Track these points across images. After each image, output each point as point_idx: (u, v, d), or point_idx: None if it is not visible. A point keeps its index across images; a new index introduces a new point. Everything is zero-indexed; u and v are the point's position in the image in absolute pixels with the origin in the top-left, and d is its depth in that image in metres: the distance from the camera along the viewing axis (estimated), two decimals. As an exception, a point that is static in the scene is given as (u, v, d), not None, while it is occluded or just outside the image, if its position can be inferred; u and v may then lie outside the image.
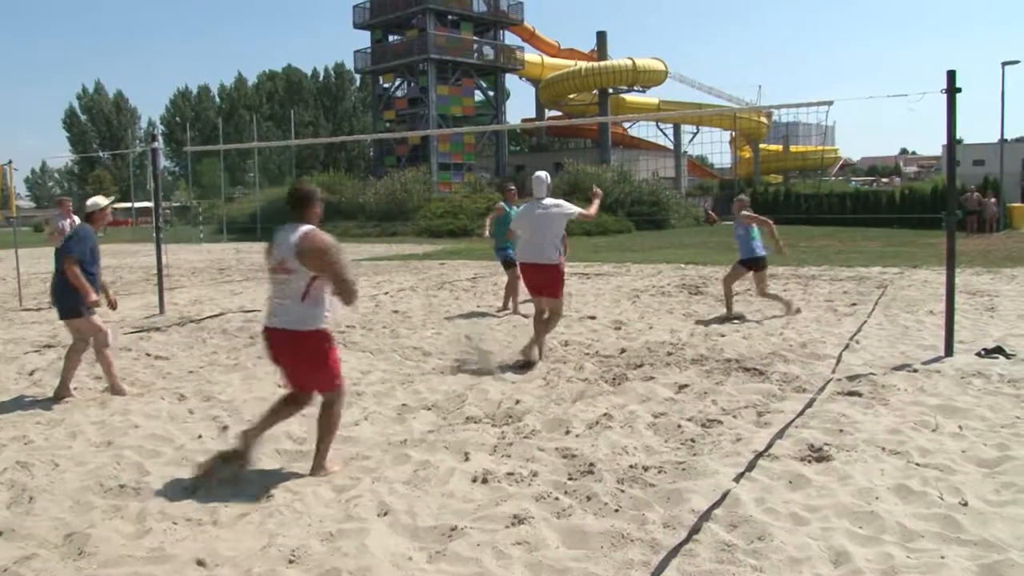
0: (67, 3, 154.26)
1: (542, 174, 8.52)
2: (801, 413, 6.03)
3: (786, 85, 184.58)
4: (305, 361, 4.92)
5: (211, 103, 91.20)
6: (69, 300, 7.13)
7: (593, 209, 8.74)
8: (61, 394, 7.20)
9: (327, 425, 5.06)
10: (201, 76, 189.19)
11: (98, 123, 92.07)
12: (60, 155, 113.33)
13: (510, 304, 12.04)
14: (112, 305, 7.74)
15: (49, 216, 16.49)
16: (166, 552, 3.94)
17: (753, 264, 11.02)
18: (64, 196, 16.24)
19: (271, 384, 7.54)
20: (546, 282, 8.26)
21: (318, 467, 5.04)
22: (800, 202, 41.91)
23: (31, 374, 8.25)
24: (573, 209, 8.35)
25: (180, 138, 76.64)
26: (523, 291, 9.96)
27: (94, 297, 7.15)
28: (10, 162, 15.25)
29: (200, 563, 3.82)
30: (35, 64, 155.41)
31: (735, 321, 10.66)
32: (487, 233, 12.03)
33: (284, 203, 5.06)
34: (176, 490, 4.79)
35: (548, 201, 8.29)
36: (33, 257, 29.03)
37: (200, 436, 5.90)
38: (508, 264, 11.72)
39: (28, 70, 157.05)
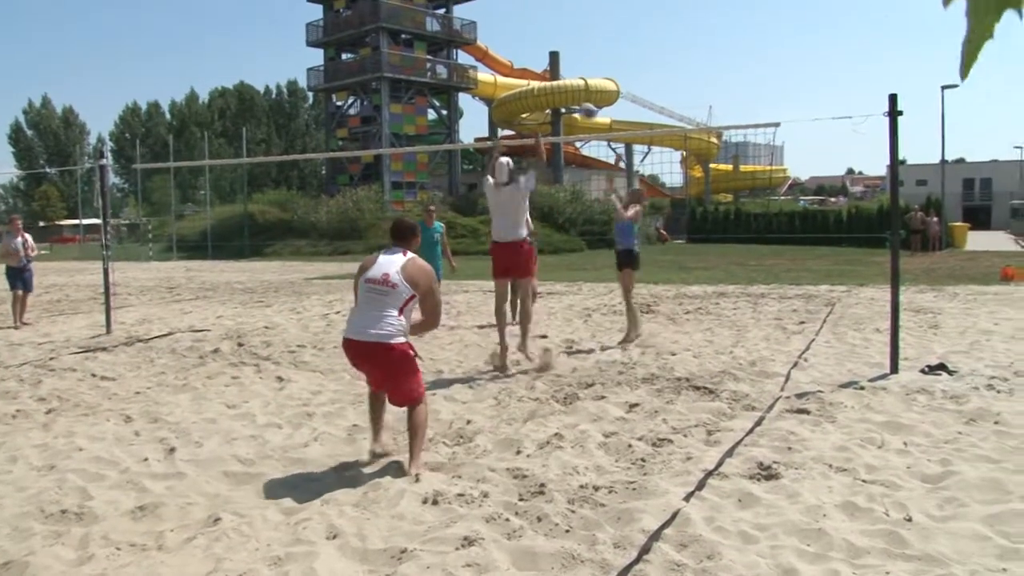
0: (14, 16, 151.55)
1: (504, 160, 9.02)
2: (750, 431, 6.07)
3: (737, 104, 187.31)
4: (396, 373, 5.36)
5: (161, 119, 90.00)
6: None
7: (543, 149, 9.33)
8: None
9: (416, 428, 5.40)
10: (152, 92, 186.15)
11: (45, 138, 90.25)
12: (5, 171, 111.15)
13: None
14: None
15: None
16: (108, 579, 3.85)
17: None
18: (15, 214, 16.04)
19: (220, 405, 7.44)
20: (515, 261, 8.95)
21: (414, 466, 5.26)
22: (750, 221, 42.57)
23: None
24: (530, 180, 8.97)
25: (130, 154, 75.45)
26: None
27: None
28: (-50, 178, 14.96)
29: (143, 590, 3.74)
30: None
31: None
32: None
33: (389, 234, 5.70)
34: (120, 514, 4.68)
35: (511, 182, 8.95)
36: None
37: (146, 459, 5.77)
38: None
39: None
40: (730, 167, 68.05)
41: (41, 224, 75.50)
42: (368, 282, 5.36)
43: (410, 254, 5.50)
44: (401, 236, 5.61)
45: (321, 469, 5.46)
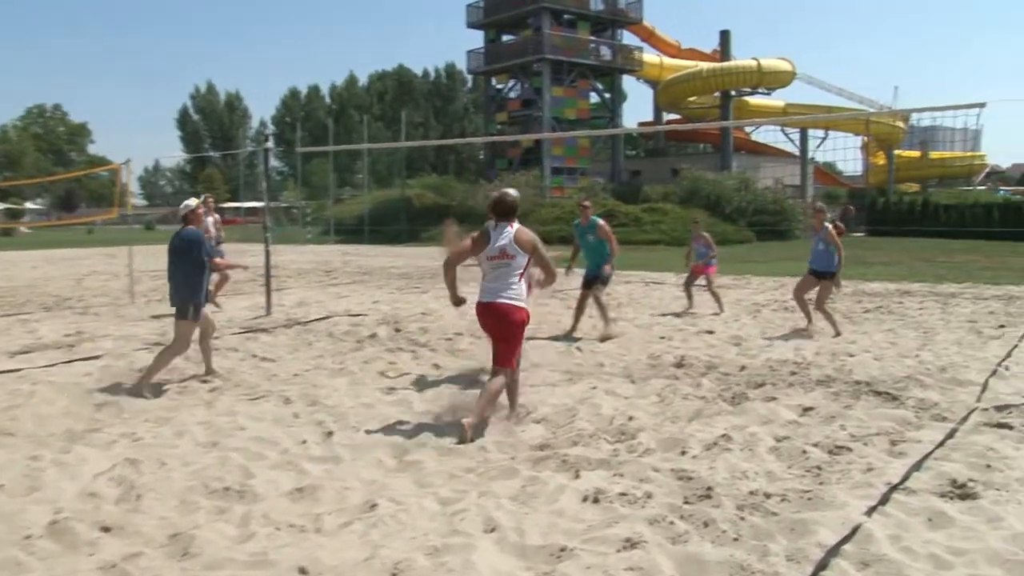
0: (179, 3, 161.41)
1: None
2: (941, 444, 5.75)
3: (926, 85, 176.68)
4: (509, 336, 6.35)
5: (321, 103, 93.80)
6: (197, 296, 8.01)
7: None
8: (143, 383, 7.78)
9: (492, 392, 6.26)
10: (312, 76, 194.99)
11: (210, 123, 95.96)
12: (173, 154, 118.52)
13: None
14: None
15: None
16: (268, 558, 4.02)
17: (827, 276, 11.11)
18: (207, 193, 16.61)
19: (376, 390, 7.67)
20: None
21: (468, 420, 6.01)
22: (939, 213, 40.29)
23: (141, 371, 8.58)
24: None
25: (290, 138, 79.02)
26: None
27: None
28: (128, 161, 16.00)
29: (302, 571, 3.88)
30: (148, 62, 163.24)
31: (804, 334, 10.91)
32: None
33: (492, 209, 6.43)
34: (280, 495, 4.89)
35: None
36: (145, 255, 30.27)
37: (305, 441, 6.02)
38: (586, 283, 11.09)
39: (141, 68, 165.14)
40: (918, 154, 64.71)
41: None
42: (490, 259, 6.30)
43: (516, 225, 6.38)
44: (505, 212, 6.37)
45: (478, 460, 5.54)
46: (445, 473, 5.27)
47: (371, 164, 60.02)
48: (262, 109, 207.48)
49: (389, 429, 6.32)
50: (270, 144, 14.28)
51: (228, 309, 13.97)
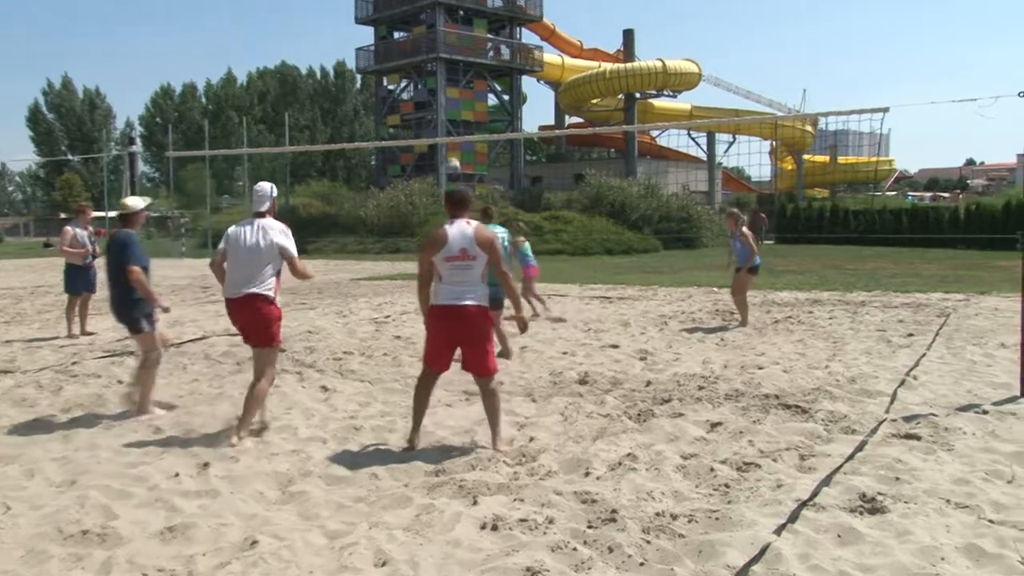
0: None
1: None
2: (850, 457, 5.95)
3: (834, 88, 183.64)
4: (482, 338, 6.42)
5: (196, 103, 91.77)
6: (132, 313, 7.86)
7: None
8: (144, 411, 7.62)
9: (495, 406, 6.46)
10: (186, 73, 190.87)
11: (68, 122, 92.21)
12: (22, 157, 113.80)
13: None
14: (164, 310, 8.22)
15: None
16: (135, 605, 3.90)
17: (755, 270, 13.44)
18: (83, 202, 15.92)
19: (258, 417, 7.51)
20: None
21: (500, 443, 6.40)
22: (849, 219, 41.80)
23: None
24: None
25: (161, 141, 77.14)
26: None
27: (165, 304, 8.16)
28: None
29: (173, 618, 3.78)
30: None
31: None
32: None
33: (445, 202, 6.59)
34: (148, 536, 4.74)
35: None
36: (-3, 271, 29.15)
37: (177, 474, 5.84)
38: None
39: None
40: (826, 158, 67.00)
41: (63, 216, 77.69)
42: (449, 260, 6.27)
43: (473, 222, 6.40)
44: (462, 205, 6.49)
45: (369, 489, 5.49)
46: (333, 504, 5.21)
47: (252, 170, 58.95)
48: (128, 108, 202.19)
49: (272, 458, 6.21)
50: (136, 147, 13.99)
51: (90, 329, 13.54)
